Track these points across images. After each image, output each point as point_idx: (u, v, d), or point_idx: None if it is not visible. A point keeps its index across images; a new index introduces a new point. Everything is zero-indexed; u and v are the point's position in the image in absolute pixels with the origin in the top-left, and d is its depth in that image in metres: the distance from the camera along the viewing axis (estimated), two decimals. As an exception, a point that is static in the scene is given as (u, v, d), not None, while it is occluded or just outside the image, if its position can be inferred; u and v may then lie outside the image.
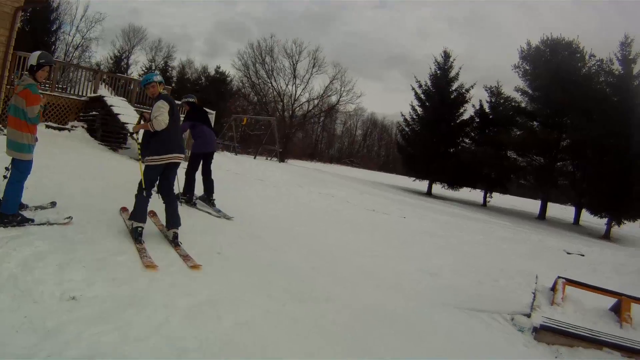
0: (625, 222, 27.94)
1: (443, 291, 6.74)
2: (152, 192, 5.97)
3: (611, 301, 6.98)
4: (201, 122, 8.88)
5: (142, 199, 5.80)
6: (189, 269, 5.16)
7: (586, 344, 5.42)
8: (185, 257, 5.47)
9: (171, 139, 5.88)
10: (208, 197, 8.78)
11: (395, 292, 6.36)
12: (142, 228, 5.73)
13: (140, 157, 6.05)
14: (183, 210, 7.42)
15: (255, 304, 4.62)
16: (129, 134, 6.11)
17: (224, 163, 18.08)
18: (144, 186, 5.79)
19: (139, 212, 5.77)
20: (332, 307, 5.10)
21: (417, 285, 6.90)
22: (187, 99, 9.15)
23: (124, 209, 6.72)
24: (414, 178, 39.66)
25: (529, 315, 6.00)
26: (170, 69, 58.15)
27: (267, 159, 35.76)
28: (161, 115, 5.67)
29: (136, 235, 5.62)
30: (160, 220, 6.61)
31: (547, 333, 5.56)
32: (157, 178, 5.96)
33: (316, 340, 4.20)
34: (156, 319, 3.82)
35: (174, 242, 5.88)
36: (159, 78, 5.98)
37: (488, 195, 37.37)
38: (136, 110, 15.06)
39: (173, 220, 6.03)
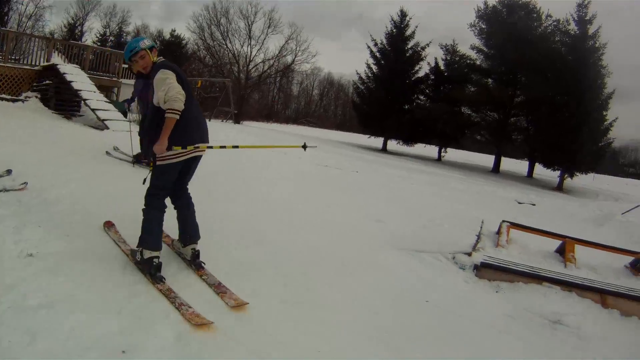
0: (577, 174, 28.99)
1: (387, 235, 6.70)
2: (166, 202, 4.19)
3: (557, 245, 7.16)
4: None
5: (153, 214, 3.99)
6: (231, 310, 3.63)
7: (526, 279, 5.51)
8: (219, 289, 3.88)
9: (190, 121, 3.94)
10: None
11: (338, 236, 6.31)
12: (159, 258, 3.90)
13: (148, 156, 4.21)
14: (137, 170, 7.91)
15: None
16: (155, 159, 3.95)
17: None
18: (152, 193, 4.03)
19: (152, 236, 3.94)
20: (267, 249, 5.19)
21: (360, 230, 6.88)
22: None
23: (108, 224, 4.84)
24: (369, 135, 40.05)
25: (470, 254, 6.06)
26: (124, 34, 58.24)
27: (222, 121, 35.15)
28: (172, 89, 3.71)
29: (153, 271, 3.83)
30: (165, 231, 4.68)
31: (488, 270, 5.63)
32: (174, 181, 4.10)
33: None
34: (109, 268, 3.97)
35: (195, 262, 4.25)
36: (148, 43, 4.05)
37: (443, 150, 38.02)
38: (90, 77, 15.13)
39: (191, 232, 4.32)
